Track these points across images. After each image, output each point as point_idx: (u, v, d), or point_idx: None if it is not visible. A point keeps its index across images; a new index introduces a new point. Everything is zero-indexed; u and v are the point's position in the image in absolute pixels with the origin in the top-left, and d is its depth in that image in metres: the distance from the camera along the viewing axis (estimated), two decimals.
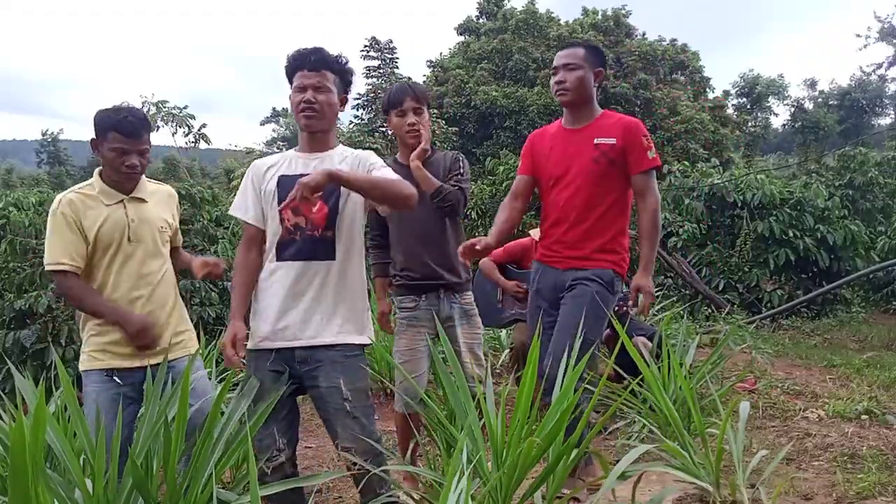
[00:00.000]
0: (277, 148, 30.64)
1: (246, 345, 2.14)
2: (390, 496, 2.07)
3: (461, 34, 22.42)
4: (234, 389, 2.96)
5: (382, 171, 2.12)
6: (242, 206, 2.22)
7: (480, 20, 22.31)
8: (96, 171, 2.43)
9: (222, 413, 2.10)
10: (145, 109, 17.15)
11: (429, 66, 21.93)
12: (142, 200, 2.44)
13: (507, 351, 4.83)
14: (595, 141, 2.66)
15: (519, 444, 1.89)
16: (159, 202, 2.52)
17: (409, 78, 14.16)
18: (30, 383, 2.24)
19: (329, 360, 2.08)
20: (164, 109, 17.24)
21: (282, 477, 2.08)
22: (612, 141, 2.64)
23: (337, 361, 2.08)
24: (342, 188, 2.09)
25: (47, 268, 2.31)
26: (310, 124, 2.15)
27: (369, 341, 2.20)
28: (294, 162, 2.20)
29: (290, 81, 2.20)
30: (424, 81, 20.36)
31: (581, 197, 2.66)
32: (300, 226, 2.11)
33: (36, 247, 4.86)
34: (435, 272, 2.81)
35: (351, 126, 15.65)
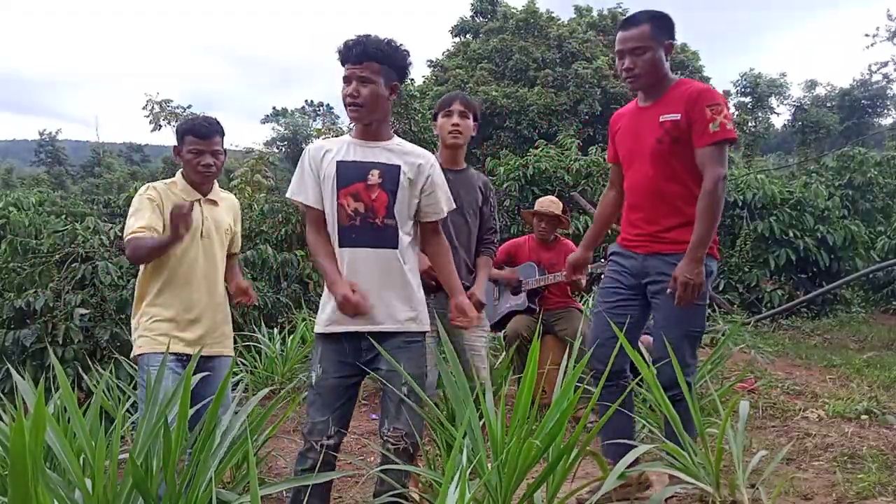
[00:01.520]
0: (277, 148, 30.36)
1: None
2: (398, 493, 2.08)
3: (455, 35, 22.38)
4: (234, 389, 2.96)
5: (443, 188, 2.28)
6: (301, 190, 2.23)
7: (476, 19, 22.27)
8: (178, 171, 2.70)
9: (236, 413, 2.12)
10: (149, 108, 17.16)
11: (429, 66, 21.91)
12: (214, 203, 2.70)
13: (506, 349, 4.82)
14: (660, 119, 2.43)
15: (519, 444, 1.89)
16: (226, 207, 2.77)
17: (412, 80, 14.15)
18: (29, 383, 2.24)
19: (393, 347, 2.14)
20: (168, 108, 17.25)
21: (325, 460, 2.11)
22: (676, 116, 2.39)
23: (400, 348, 2.15)
24: (401, 177, 2.17)
25: (125, 239, 2.50)
26: (355, 118, 2.21)
27: (429, 328, 2.27)
28: (351, 148, 2.22)
29: None
30: (424, 81, 20.34)
31: (651, 179, 2.47)
32: (359, 211, 2.15)
33: (36, 247, 4.85)
34: None
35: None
